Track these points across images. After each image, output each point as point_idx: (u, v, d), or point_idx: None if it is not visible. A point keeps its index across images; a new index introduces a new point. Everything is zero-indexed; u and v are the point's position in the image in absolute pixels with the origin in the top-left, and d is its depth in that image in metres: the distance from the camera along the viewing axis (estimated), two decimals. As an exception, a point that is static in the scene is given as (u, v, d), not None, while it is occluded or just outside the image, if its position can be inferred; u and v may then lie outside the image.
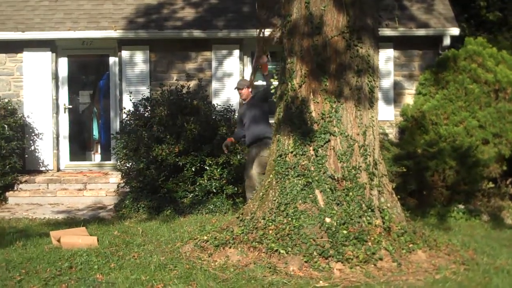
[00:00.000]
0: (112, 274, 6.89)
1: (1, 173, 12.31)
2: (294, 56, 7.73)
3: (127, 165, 11.63)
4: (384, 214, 7.25)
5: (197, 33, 13.49)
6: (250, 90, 10.19)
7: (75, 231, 8.90)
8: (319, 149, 7.39)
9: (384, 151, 10.66)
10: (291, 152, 7.52)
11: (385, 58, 13.43)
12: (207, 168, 11.03)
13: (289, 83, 7.72)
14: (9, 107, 13.23)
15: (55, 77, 13.98)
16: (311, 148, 7.44)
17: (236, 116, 12.12)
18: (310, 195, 7.27)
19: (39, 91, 13.85)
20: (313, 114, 7.51)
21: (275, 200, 7.43)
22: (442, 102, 12.20)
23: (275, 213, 7.33)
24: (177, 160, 10.93)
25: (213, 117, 11.74)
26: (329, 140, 7.41)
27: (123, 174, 11.81)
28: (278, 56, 8.90)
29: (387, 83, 13.57)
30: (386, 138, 12.71)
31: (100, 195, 12.32)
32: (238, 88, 10.25)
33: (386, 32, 12.95)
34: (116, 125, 13.83)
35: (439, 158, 10.76)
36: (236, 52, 13.70)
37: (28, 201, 12.26)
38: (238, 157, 11.17)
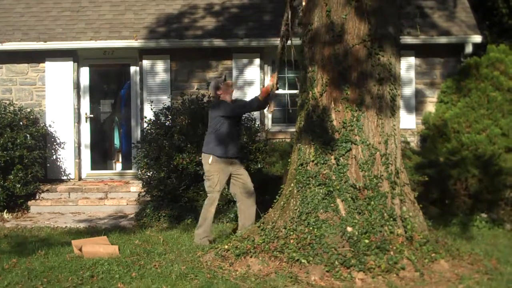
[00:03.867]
0: (133, 283, 6.89)
1: (23, 182, 12.40)
2: (315, 64, 7.69)
3: (148, 174, 11.67)
4: (406, 223, 7.19)
5: (217, 42, 13.52)
6: (220, 92, 9.14)
7: (97, 240, 8.93)
8: (341, 158, 7.35)
9: (406, 159, 10.57)
10: (312, 161, 7.48)
11: (407, 66, 13.37)
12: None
13: (310, 92, 7.68)
14: (31, 117, 13.34)
15: (77, 86, 14.08)
16: (332, 157, 7.40)
17: (256, 125, 12.12)
18: (332, 204, 7.23)
19: (61, 100, 13.96)
20: (334, 122, 7.47)
21: (296, 209, 7.40)
22: (464, 110, 12.12)
23: (296, 222, 7.29)
24: (198, 169, 10.92)
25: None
26: (350, 149, 7.36)
27: (144, 183, 11.84)
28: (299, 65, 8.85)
29: (408, 91, 13.52)
30: (408, 146, 12.62)
31: (121, 204, 12.37)
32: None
33: (408, 40, 12.89)
34: (137, 134, 13.88)
35: (461, 166, 10.66)
36: (257, 61, 13.72)
37: (50, 210, 12.33)
38: (258, 165, 11.16)
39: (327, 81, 7.56)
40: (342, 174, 7.31)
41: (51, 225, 10.87)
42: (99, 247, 8.39)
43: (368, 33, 7.52)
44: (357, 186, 7.26)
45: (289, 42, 8.55)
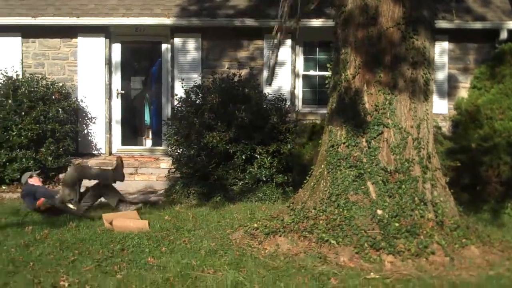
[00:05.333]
0: (163, 258, 6.98)
1: (55, 155, 12.52)
2: (348, 46, 7.67)
3: (178, 151, 11.72)
4: (437, 208, 7.17)
5: (249, 22, 13.49)
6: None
7: (127, 214, 9.04)
8: (372, 140, 7.34)
9: (437, 144, 10.49)
10: (344, 143, 7.48)
11: (440, 51, 13.24)
12: (257, 156, 11.05)
13: (343, 74, 7.67)
14: (63, 91, 13.45)
15: (108, 62, 14.15)
16: (363, 139, 7.40)
17: (287, 105, 12.10)
18: (362, 187, 7.24)
19: (93, 76, 14.05)
20: (367, 105, 7.45)
21: (326, 191, 7.42)
22: (497, 96, 11.99)
23: (326, 203, 7.31)
24: (228, 147, 10.97)
25: (264, 106, 11.74)
26: (382, 132, 7.35)
27: (174, 160, 11.90)
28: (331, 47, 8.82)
29: (441, 76, 13.40)
30: (439, 131, 12.53)
31: (151, 179, 12.45)
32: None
33: (442, 24, 12.76)
34: (167, 111, 13.94)
35: (493, 153, 10.56)
36: (289, 42, 13.65)
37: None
38: (288, 146, 11.17)
39: (360, 63, 7.54)
40: (373, 157, 7.31)
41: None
42: (129, 221, 8.49)
43: (402, 16, 7.49)
44: (388, 170, 7.25)
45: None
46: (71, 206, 9.53)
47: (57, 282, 6.15)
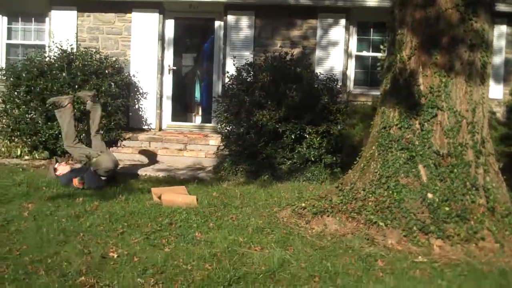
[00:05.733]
0: (210, 233, 7.02)
1: (106, 129, 12.65)
2: (405, 27, 7.54)
3: (227, 128, 11.73)
4: (489, 193, 7.04)
5: (303, 1, 13.39)
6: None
7: (175, 189, 9.10)
8: (425, 123, 7.23)
9: (491, 130, 10.29)
10: (396, 125, 7.39)
11: (498, 34, 12.94)
12: (307, 136, 10.98)
13: (398, 55, 7.55)
14: (116, 66, 13.57)
15: (161, 38, 14.22)
16: (417, 122, 7.29)
17: (338, 86, 11.99)
18: (413, 170, 7.14)
19: (145, 51, 14.14)
20: (421, 87, 7.33)
21: (376, 172, 7.35)
22: (554, 82, 11.71)
23: (375, 185, 7.25)
24: (277, 126, 10.92)
25: (316, 86, 11.64)
26: (436, 115, 7.23)
27: (223, 137, 11.92)
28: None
29: (497, 60, 13.10)
30: (493, 116, 12.29)
31: (200, 156, 12.51)
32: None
33: (501, 7, 12.46)
34: (218, 89, 13.96)
35: (548, 140, 10.35)
36: (342, 21, 13.52)
37: (130, 158, 12.57)
38: (338, 127, 11.08)
39: (417, 44, 7.41)
40: (425, 140, 7.20)
41: (131, 172, 11.12)
42: (177, 196, 8.56)
43: (462, -3, 7.31)
44: (441, 153, 7.14)
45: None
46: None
47: (106, 253, 6.25)
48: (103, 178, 9.83)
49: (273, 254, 6.23)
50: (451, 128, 7.17)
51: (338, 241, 6.74)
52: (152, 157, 12.53)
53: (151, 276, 5.66)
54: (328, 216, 7.25)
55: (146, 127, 14.18)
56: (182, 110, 15.27)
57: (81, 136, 11.14)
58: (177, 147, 12.87)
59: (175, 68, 14.61)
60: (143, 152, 12.68)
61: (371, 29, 13.86)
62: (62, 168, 9.99)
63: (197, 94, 15.29)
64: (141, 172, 11.16)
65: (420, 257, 6.35)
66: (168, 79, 14.46)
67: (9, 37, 14.93)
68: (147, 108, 14.18)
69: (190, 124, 14.82)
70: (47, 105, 11.42)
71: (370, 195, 7.19)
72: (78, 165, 10.40)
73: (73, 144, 10.37)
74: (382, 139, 7.45)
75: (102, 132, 10.92)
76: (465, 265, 6.19)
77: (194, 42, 16.34)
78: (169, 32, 14.37)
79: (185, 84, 15.82)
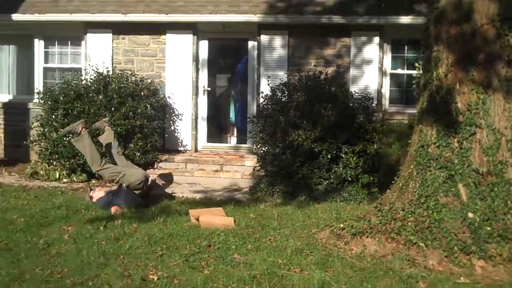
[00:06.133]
0: (249, 255, 7.02)
1: (142, 151, 12.75)
2: (440, 44, 7.49)
3: (263, 149, 11.73)
4: (531, 212, 6.92)
5: (336, 19, 13.38)
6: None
7: (213, 211, 9.12)
8: (464, 141, 7.16)
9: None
10: (434, 143, 7.32)
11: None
12: (343, 156, 10.93)
13: (434, 72, 7.50)
14: (152, 87, 13.69)
15: (196, 59, 14.33)
16: (455, 140, 7.22)
17: (373, 104, 11.93)
18: (453, 189, 7.07)
19: (180, 72, 14.26)
20: (459, 104, 7.27)
21: (415, 192, 7.28)
22: None
23: (415, 204, 7.18)
24: (313, 146, 10.89)
25: (351, 105, 11.60)
26: (474, 133, 7.16)
27: (259, 158, 11.93)
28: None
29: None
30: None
31: (236, 177, 12.53)
32: None
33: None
34: (252, 109, 14.00)
35: None
36: (376, 39, 13.50)
37: (167, 179, 12.64)
38: (375, 146, 11.02)
39: (453, 61, 7.36)
40: (465, 158, 7.13)
41: (168, 194, 11.17)
42: (215, 218, 8.58)
43: (497, 12, 7.26)
44: (480, 171, 7.06)
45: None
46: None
47: (146, 275, 6.29)
48: (137, 193, 9.87)
49: (312, 276, 6.20)
50: (490, 146, 7.09)
51: (378, 262, 6.69)
52: (188, 178, 12.58)
53: (191, 299, 5.68)
54: (367, 237, 7.19)
55: (182, 148, 14.26)
56: (217, 131, 15.33)
57: (106, 157, 11.22)
58: (213, 168, 12.92)
59: (209, 89, 14.69)
60: (179, 173, 12.74)
61: (405, 47, 13.80)
62: (97, 194, 10.07)
63: (232, 114, 15.34)
64: (178, 193, 11.20)
65: (462, 278, 6.28)
66: (203, 100, 14.54)
67: (46, 61, 15.17)
68: (183, 130, 14.27)
69: (225, 145, 14.87)
70: (60, 134, 11.61)
71: (410, 215, 7.12)
72: (114, 187, 10.50)
73: (101, 166, 10.51)
74: (420, 158, 7.39)
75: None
76: (509, 286, 6.11)
77: (227, 62, 16.42)
78: (203, 53, 14.48)
79: (220, 105, 15.88)
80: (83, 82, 13.41)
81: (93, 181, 12.31)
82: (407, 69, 13.71)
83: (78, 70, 14.69)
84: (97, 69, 13.52)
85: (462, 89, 7.28)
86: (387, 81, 13.78)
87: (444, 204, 7.02)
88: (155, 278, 6.21)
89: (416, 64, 12.21)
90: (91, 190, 10.36)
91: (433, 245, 6.76)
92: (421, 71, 8.18)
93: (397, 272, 6.39)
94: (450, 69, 7.37)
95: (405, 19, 13.08)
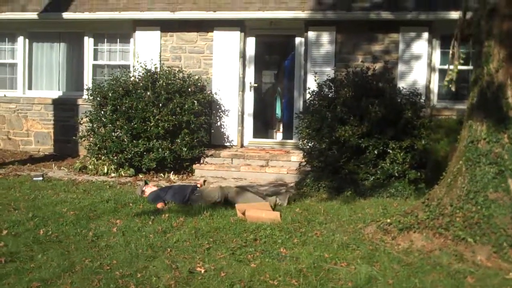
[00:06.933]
0: (295, 249, 7.03)
1: (189, 146, 12.86)
2: (492, 39, 7.38)
3: (309, 144, 11.73)
4: None
5: (385, 15, 13.29)
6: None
7: (259, 205, 9.13)
8: (515, 137, 7.05)
9: None
10: (484, 139, 7.22)
11: None
12: (390, 151, 10.86)
13: (485, 67, 7.39)
14: (199, 84, 13.78)
15: (243, 56, 14.38)
16: (505, 135, 7.11)
17: (422, 100, 11.82)
18: (502, 184, 6.96)
19: (227, 69, 14.33)
20: (510, 100, 7.16)
21: (464, 187, 7.18)
22: None
23: (463, 200, 7.09)
24: (360, 142, 10.84)
25: (398, 100, 11.51)
26: (525, 128, 7.04)
27: (305, 153, 11.93)
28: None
29: None
30: None
31: (281, 172, 12.55)
32: None
33: None
34: (299, 105, 14.00)
35: None
36: (425, 35, 13.36)
37: (213, 174, 12.73)
38: (423, 141, 10.91)
39: (504, 56, 7.24)
40: (515, 154, 7.01)
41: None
42: (261, 213, 8.61)
43: (550, 7, 7.12)
44: (531, 167, 6.93)
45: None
46: None
47: (193, 267, 6.35)
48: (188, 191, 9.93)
49: (359, 270, 6.19)
50: (541, 142, 6.96)
51: (425, 257, 6.63)
52: (234, 173, 12.65)
53: (238, 291, 5.72)
54: (414, 232, 7.13)
55: (228, 144, 14.34)
56: (263, 126, 15.38)
57: None
58: (259, 163, 12.95)
59: (256, 85, 14.73)
60: (225, 168, 12.82)
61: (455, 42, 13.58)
62: (149, 190, 10.17)
63: (278, 110, 15.36)
64: (224, 188, 11.27)
65: (511, 274, 6.18)
66: (249, 96, 14.59)
67: (95, 58, 15.43)
68: (229, 125, 14.34)
69: (271, 141, 14.90)
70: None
71: (458, 211, 7.03)
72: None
73: None
74: (469, 153, 7.29)
75: None
76: (560, 283, 5.99)
77: (274, 59, 16.46)
78: (250, 50, 14.52)
79: (266, 100, 15.93)
80: (132, 79, 13.59)
81: (141, 176, 12.45)
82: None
83: (127, 67, 14.90)
84: (145, 66, 13.68)
85: (513, 84, 7.18)
86: (435, 76, 13.63)
87: (493, 199, 6.91)
88: (202, 271, 6.26)
89: (460, 60, 11.99)
90: (145, 184, 10.46)
91: (481, 240, 6.67)
92: (452, 66, 7.99)
93: (445, 267, 6.33)
94: (501, 64, 7.25)
95: (454, 14, 12.87)
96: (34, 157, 14.88)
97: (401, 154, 10.76)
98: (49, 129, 15.57)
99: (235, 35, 14.28)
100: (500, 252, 6.54)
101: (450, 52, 7.78)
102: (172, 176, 12.52)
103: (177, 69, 13.84)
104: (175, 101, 12.87)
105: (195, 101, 13.13)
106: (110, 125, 12.98)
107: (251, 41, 14.50)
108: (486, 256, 6.54)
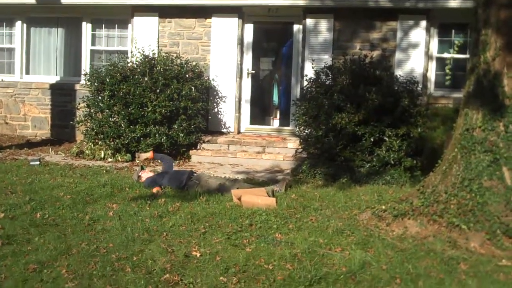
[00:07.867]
0: (290, 234, 7.07)
1: (186, 132, 12.89)
2: (489, 27, 7.38)
3: (306, 131, 11.77)
4: None
5: (383, 2, 13.30)
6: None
7: (255, 191, 9.16)
8: (510, 125, 7.06)
9: None
10: (479, 127, 7.24)
11: None
12: (386, 139, 10.90)
13: (482, 56, 7.40)
14: (196, 70, 13.79)
15: (241, 42, 14.38)
16: (501, 124, 7.13)
17: (419, 88, 11.84)
18: (497, 172, 6.99)
19: (225, 55, 14.34)
20: (506, 88, 7.17)
21: (458, 175, 7.22)
22: None
23: (458, 187, 7.12)
24: (356, 129, 10.88)
25: (395, 88, 11.53)
26: (521, 117, 7.07)
27: (301, 140, 11.97)
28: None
29: None
30: None
31: (278, 159, 12.59)
32: None
33: None
34: (296, 92, 14.02)
35: None
36: (423, 23, 13.38)
37: (210, 160, 12.77)
38: (419, 129, 10.95)
39: (501, 45, 7.24)
40: (510, 142, 7.03)
41: (210, 174, 11.24)
42: (257, 198, 8.64)
43: (548, -4, 7.14)
44: (526, 155, 6.97)
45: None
46: None
47: (189, 251, 6.38)
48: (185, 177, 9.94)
49: (353, 256, 6.22)
50: (537, 130, 7.00)
51: (419, 243, 6.68)
52: (231, 160, 12.69)
53: (233, 275, 5.76)
54: (409, 218, 7.18)
55: (225, 130, 14.37)
56: (260, 113, 15.40)
57: None
58: (256, 150, 13.00)
59: (253, 72, 14.75)
60: (222, 155, 12.85)
61: (453, 31, 13.64)
62: (146, 175, 10.19)
63: (275, 97, 15.38)
64: (220, 174, 11.28)
65: (504, 260, 6.23)
66: (247, 83, 14.61)
67: (93, 44, 15.43)
68: (226, 112, 14.37)
69: (268, 127, 14.93)
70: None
71: (452, 198, 7.07)
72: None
73: None
74: (465, 141, 7.32)
75: None
76: (552, 269, 6.03)
77: (272, 46, 16.45)
78: (248, 36, 14.52)
79: (263, 87, 15.95)
80: (129, 65, 13.60)
81: (138, 161, 12.48)
82: (454, 53, 13.55)
83: (125, 52, 14.91)
84: (143, 52, 13.69)
85: (509, 73, 7.17)
86: (433, 65, 13.66)
87: (488, 187, 6.95)
88: (198, 255, 6.29)
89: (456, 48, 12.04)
90: (142, 169, 10.47)
91: (475, 227, 6.71)
92: (449, 55, 8.01)
93: (439, 254, 6.37)
94: (498, 53, 7.26)
95: (453, 3, 12.93)
96: (31, 141, 14.91)
97: (397, 142, 10.80)
98: (47, 114, 15.58)
99: (233, 22, 14.27)
100: (494, 239, 6.57)
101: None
102: (169, 162, 12.53)
103: (175, 55, 13.85)
104: (172, 87, 12.89)
105: (192, 87, 13.15)
106: (107, 110, 12.98)
107: (249, 28, 14.50)
108: (480, 243, 6.58)
